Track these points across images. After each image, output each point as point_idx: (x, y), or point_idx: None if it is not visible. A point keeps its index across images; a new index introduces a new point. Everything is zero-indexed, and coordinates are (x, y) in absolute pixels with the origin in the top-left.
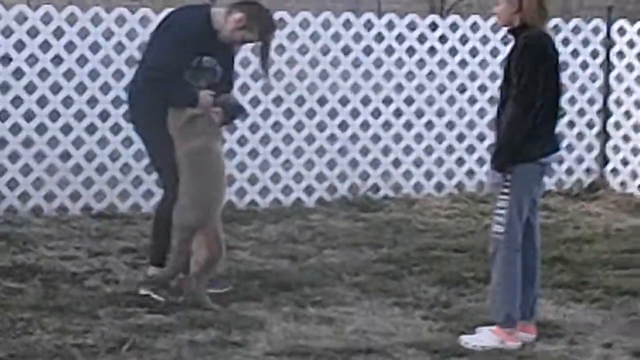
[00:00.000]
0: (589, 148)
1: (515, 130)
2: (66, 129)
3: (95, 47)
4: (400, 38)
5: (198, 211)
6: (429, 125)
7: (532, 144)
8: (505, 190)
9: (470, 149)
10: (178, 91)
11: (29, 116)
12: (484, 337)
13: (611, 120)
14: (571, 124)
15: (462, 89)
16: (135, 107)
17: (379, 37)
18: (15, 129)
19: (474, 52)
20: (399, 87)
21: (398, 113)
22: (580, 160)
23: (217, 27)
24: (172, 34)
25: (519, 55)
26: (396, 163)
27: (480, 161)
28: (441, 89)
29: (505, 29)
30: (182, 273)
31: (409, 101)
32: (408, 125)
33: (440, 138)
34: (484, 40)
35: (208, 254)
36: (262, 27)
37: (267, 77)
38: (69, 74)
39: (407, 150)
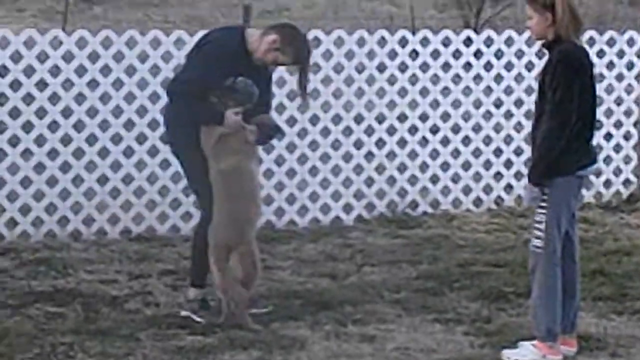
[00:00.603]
0: (627, 160)
1: (552, 144)
2: (103, 153)
3: (130, 70)
4: (435, 54)
5: (231, 230)
6: (466, 140)
7: (568, 157)
8: (543, 204)
9: (508, 164)
10: (203, 109)
11: (65, 140)
12: (526, 352)
13: None
14: (608, 136)
15: (498, 104)
16: (171, 129)
17: (414, 54)
18: (53, 153)
19: (509, 67)
20: (435, 103)
21: (435, 129)
22: (618, 172)
23: (251, 48)
24: (206, 53)
25: (553, 69)
26: (434, 179)
27: (518, 175)
28: (477, 104)
29: (539, 42)
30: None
31: (445, 117)
32: (445, 141)
33: (477, 153)
34: (519, 54)
35: (243, 273)
36: (296, 50)
37: (306, 102)
38: (105, 98)
39: (445, 166)
